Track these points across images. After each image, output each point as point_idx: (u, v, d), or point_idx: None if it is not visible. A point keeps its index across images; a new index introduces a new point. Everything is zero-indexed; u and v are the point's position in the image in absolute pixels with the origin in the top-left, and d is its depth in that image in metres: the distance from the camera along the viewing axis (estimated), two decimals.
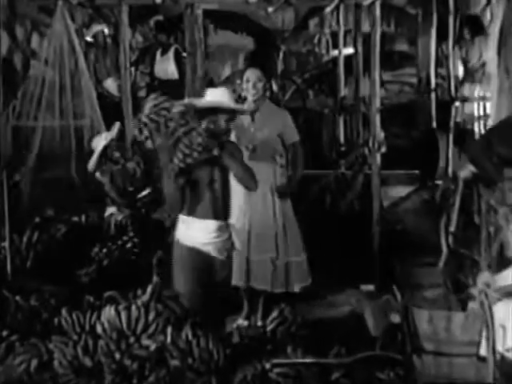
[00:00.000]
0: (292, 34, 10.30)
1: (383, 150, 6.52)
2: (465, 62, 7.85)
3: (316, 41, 10.10)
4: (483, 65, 7.52)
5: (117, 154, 5.95)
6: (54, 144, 6.47)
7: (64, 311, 3.90)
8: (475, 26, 7.58)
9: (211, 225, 4.00)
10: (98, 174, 5.73)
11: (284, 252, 4.93)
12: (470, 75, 7.76)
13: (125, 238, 5.34)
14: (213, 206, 4.01)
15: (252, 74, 4.95)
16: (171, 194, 4.07)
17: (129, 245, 5.32)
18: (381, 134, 6.51)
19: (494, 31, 7.06)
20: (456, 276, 2.71)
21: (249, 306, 5.01)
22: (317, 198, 7.08)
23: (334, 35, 9.31)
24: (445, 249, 2.68)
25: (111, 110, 7.15)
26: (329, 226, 6.38)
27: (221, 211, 4.05)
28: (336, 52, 8.87)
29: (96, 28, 8.66)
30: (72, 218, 5.65)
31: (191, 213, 4.01)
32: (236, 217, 4.82)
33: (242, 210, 4.86)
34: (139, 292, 3.82)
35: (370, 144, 6.57)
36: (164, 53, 8.72)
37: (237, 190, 4.88)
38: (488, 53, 7.12)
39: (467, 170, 2.82)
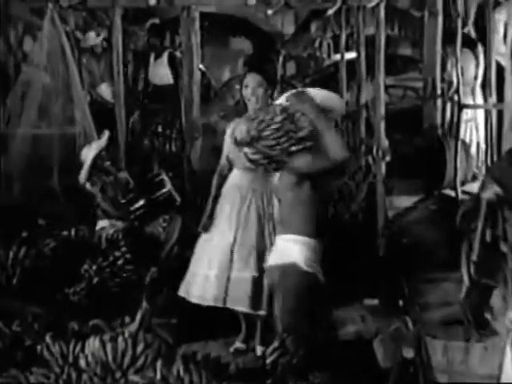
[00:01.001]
0: (292, 38, 10.09)
1: (388, 158, 6.32)
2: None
3: (317, 45, 9.86)
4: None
5: (108, 164, 5.68)
6: (41, 152, 6.18)
7: (48, 338, 3.62)
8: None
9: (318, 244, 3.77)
10: (88, 186, 5.47)
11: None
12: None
13: (117, 253, 5.05)
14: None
15: (252, 80, 4.59)
16: None
17: (120, 261, 5.03)
18: (385, 142, 6.30)
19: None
20: (478, 310, 2.43)
21: (247, 328, 4.70)
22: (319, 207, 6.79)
23: (336, 39, 9.14)
24: (466, 279, 2.40)
25: (105, 116, 6.90)
26: (331, 237, 5.99)
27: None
28: (338, 56, 8.73)
29: (93, 39, 8.38)
30: (62, 231, 5.35)
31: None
32: (225, 230, 4.57)
33: (232, 222, 4.58)
34: (127, 319, 3.52)
35: (374, 152, 6.38)
36: (158, 57, 8.55)
37: (228, 199, 4.66)
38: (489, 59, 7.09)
39: (491, 191, 2.55)
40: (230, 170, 4.72)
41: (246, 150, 3.71)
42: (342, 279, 5.24)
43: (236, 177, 4.67)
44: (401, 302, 5.38)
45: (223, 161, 4.73)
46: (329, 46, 9.88)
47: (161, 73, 8.44)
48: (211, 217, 4.68)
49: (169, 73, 8.37)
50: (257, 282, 4.41)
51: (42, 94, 6.35)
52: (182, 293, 4.62)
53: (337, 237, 5.68)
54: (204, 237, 4.71)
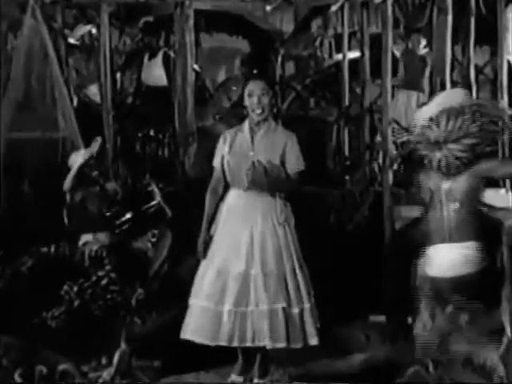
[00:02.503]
0: (292, 36, 9.73)
1: (396, 166, 5.93)
2: None
3: (318, 43, 9.56)
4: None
5: (96, 174, 5.24)
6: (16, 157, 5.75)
7: (16, 376, 3.18)
8: None
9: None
10: (68, 196, 5.02)
11: (296, 297, 4.17)
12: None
13: (100, 273, 4.60)
14: None
15: (256, 87, 4.13)
16: None
17: (104, 281, 4.60)
18: (393, 148, 5.92)
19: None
20: None
21: (244, 359, 4.23)
22: (320, 218, 6.41)
23: (338, 37, 8.93)
24: (509, 332, 1.97)
25: (94, 120, 6.60)
26: (334, 249, 5.76)
27: None
28: (340, 56, 8.43)
29: (82, 29, 7.97)
30: (40, 248, 4.90)
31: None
32: (232, 258, 4.11)
33: (239, 250, 4.12)
34: (104, 360, 3.07)
35: (381, 159, 6.06)
36: (152, 57, 8.32)
37: (231, 224, 4.21)
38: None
39: None
40: (226, 187, 4.27)
41: (453, 146, 3.57)
42: (345, 294, 5.10)
43: (237, 198, 4.20)
44: (410, 320, 4.82)
45: (217, 174, 4.27)
46: (330, 45, 9.65)
47: (155, 74, 8.23)
48: (208, 241, 4.22)
49: (163, 74, 8.13)
50: (280, 314, 4.05)
51: (23, 95, 5.92)
52: (186, 336, 4.08)
53: (339, 248, 5.72)
54: (204, 264, 4.22)
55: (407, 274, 5.62)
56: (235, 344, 4.00)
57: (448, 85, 6.97)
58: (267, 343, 4.00)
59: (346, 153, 7.69)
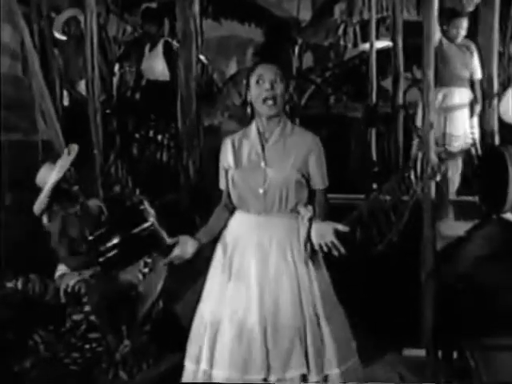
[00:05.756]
0: (310, 24, 9.11)
1: (438, 178, 5.07)
2: None
3: (341, 32, 8.83)
4: None
5: (76, 189, 4.34)
6: None
7: None
8: None
9: None
10: (44, 220, 4.15)
11: (317, 362, 3.22)
12: None
13: (75, 316, 3.69)
14: None
15: (267, 71, 3.18)
16: None
17: (83, 327, 3.69)
18: (435, 156, 5.08)
19: None
20: None
21: None
22: (343, 236, 5.73)
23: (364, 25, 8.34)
24: None
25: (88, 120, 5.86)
26: (361, 274, 5.22)
27: None
28: (365, 46, 7.92)
29: (67, 14, 7.18)
30: (5, 283, 4.01)
31: None
32: (243, 305, 3.19)
33: (252, 293, 3.20)
34: None
35: (419, 167, 5.20)
36: (153, 47, 7.58)
37: (238, 264, 3.28)
38: None
39: None
40: (233, 210, 3.34)
41: None
42: (375, 323, 4.61)
43: (245, 225, 3.30)
44: (455, 354, 4.57)
45: (225, 199, 3.37)
46: (355, 33, 8.87)
47: (156, 66, 7.54)
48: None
49: (165, 66, 7.47)
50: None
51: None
52: None
53: (367, 272, 5.22)
54: (203, 308, 3.31)
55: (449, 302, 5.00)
56: None
57: (495, 78, 6.25)
58: None
59: (374, 157, 7.06)
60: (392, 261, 5.46)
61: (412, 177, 5.63)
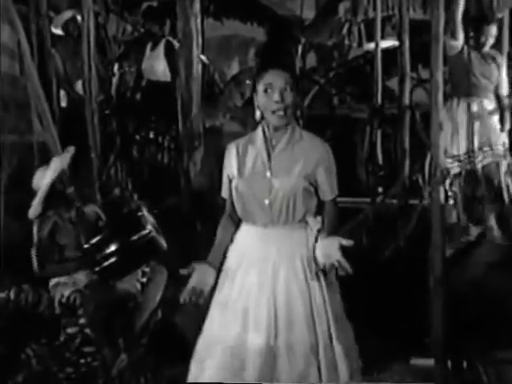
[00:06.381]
0: (314, 23, 9.00)
1: (448, 182, 4.92)
2: None
3: (345, 31, 8.77)
4: None
5: (71, 191, 4.18)
6: None
7: None
8: None
9: None
10: (35, 227, 3.98)
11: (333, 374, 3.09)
12: None
13: (70, 329, 3.53)
14: None
15: (277, 79, 3.01)
16: None
17: (77, 341, 3.53)
18: (443, 159, 4.90)
19: None
20: None
21: None
22: (350, 239, 5.64)
23: (369, 23, 8.25)
24: None
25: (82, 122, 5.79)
26: (367, 280, 4.94)
27: None
28: (371, 45, 7.81)
29: (67, 15, 7.07)
30: None
31: None
32: (254, 323, 3.03)
33: (256, 315, 3.03)
34: None
35: (427, 170, 5.28)
36: (154, 47, 7.57)
37: (246, 280, 3.10)
38: None
39: None
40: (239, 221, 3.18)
41: None
42: (382, 332, 4.60)
43: (252, 238, 3.14)
44: (465, 364, 4.47)
45: (229, 208, 3.20)
46: (359, 32, 8.80)
47: (157, 66, 7.49)
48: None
49: (166, 67, 7.42)
50: None
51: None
52: None
53: (374, 279, 5.06)
54: (209, 334, 3.11)
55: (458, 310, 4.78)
56: None
57: None
58: None
59: (380, 160, 6.93)
60: (399, 267, 5.38)
61: (420, 180, 5.58)
